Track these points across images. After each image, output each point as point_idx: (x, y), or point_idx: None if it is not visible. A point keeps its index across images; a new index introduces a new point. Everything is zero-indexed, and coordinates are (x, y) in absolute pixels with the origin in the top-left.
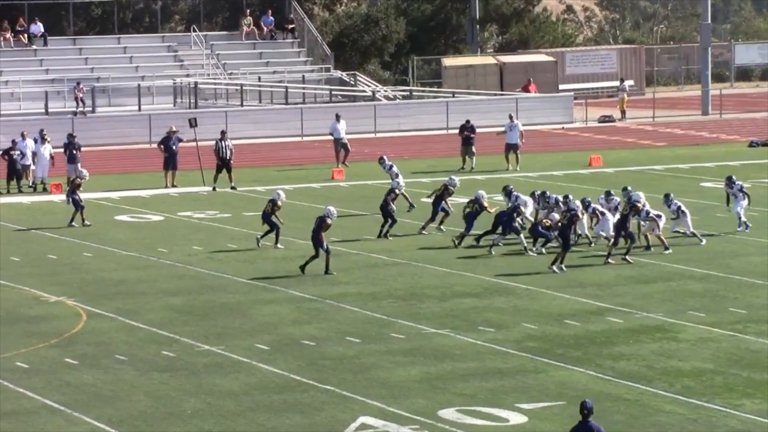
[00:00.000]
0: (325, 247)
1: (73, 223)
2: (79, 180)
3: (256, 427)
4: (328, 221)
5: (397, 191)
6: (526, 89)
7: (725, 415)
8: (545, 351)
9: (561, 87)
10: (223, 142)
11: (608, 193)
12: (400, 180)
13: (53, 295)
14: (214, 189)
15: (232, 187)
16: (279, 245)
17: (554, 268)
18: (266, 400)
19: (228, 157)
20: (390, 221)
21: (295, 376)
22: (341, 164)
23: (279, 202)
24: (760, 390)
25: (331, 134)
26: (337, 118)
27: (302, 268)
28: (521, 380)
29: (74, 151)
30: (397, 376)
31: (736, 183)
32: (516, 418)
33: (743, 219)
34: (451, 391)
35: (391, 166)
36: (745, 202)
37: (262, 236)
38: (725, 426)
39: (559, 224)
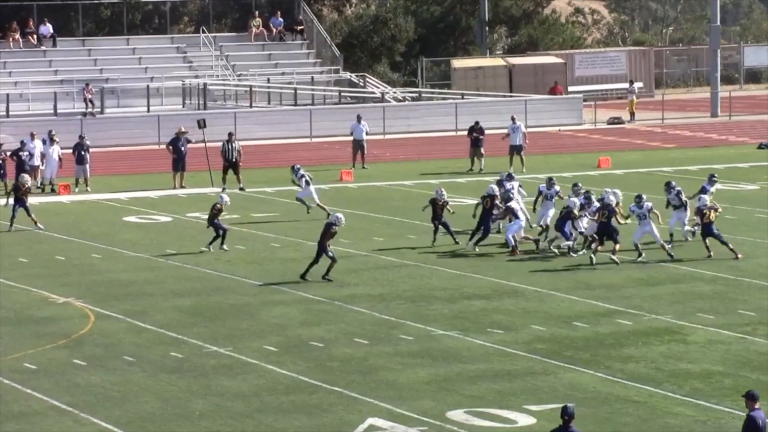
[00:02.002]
0: (330, 254)
1: (12, 228)
2: (23, 186)
3: (265, 428)
4: (334, 229)
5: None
6: (553, 92)
7: (734, 417)
8: (554, 353)
9: (570, 89)
10: (229, 144)
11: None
12: (312, 189)
13: (61, 296)
14: (223, 190)
15: (241, 188)
16: (225, 247)
17: (615, 258)
18: (275, 402)
19: (235, 159)
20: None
21: (304, 377)
22: (362, 166)
23: (219, 205)
24: None
25: (351, 134)
26: (359, 119)
27: (303, 276)
28: (530, 382)
29: (83, 152)
30: (406, 378)
31: (674, 188)
32: (524, 420)
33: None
34: (460, 393)
35: (302, 176)
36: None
37: (210, 243)
38: (734, 428)
39: (599, 221)
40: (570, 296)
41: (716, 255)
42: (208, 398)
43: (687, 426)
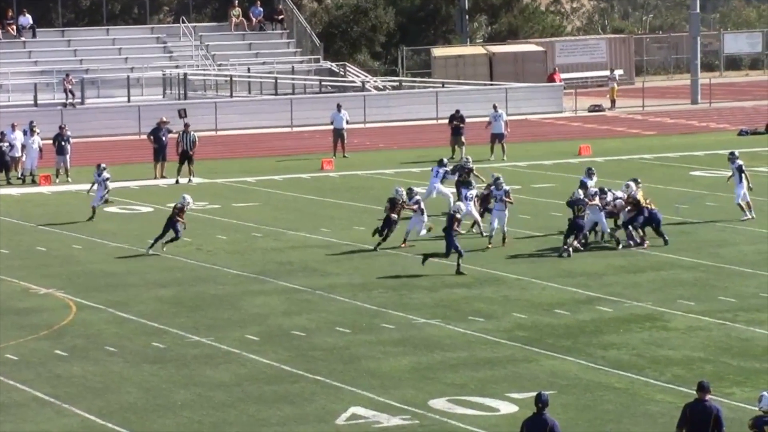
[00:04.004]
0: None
1: None
2: None
3: (247, 418)
4: (457, 216)
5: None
6: (551, 78)
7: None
8: (535, 340)
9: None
10: (185, 135)
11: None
12: (105, 192)
13: (43, 287)
14: (177, 182)
15: (189, 180)
16: (164, 249)
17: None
18: (257, 391)
19: (189, 150)
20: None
21: (286, 366)
22: (342, 155)
23: (180, 205)
24: (750, 378)
25: (332, 123)
26: (339, 108)
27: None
28: (511, 370)
29: (63, 143)
30: (388, 367)
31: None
32: (506, 408)
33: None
34: (442, 381)
35: (105, 178)
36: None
37: (166, 242)
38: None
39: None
40: (551, 284)
41: (692, 242)
42: (189, 388)
43: (668, 412)
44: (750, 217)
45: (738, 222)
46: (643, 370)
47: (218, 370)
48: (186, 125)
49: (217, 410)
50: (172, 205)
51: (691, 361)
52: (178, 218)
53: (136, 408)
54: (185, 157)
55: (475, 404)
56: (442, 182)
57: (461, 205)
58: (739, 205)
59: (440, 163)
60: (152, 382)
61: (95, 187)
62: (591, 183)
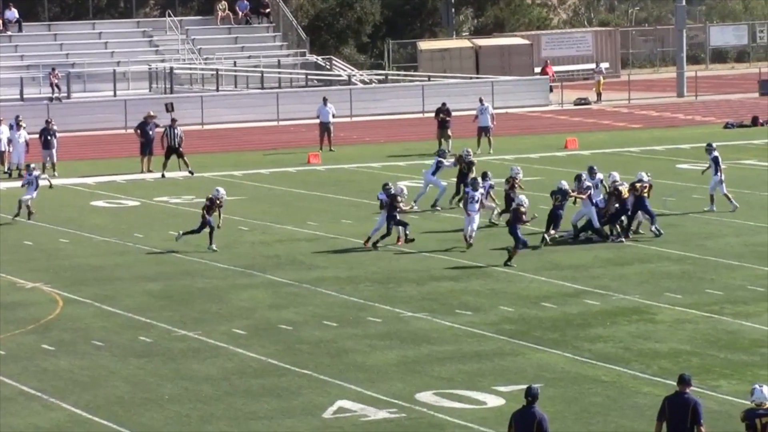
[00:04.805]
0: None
1: None
2: None
3: (234, 411)
4: (522, 209)
5: None
6: (545, 72)
7: (703, 397)
8: (522, 333)
9: (537, 70)
10: (172, 130)
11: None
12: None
13: (29, 282)
14: (163, 176)
15: (190, 172)
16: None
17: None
18: (244, 385)
19: (177, 145)
20: None
21: (273, 360)
22: (328, 149)
23: (219, 200)
24: (737, 371)
25: (318, 117)
26: (325, 101)
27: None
28: (498, 363)
29: (49, 137)
30: (375, 360)
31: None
32: (493, 401)
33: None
34: (429, 375)
35: (36, 176)
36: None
37: (185, 233)
38: (702, 407)
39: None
40: (538, 277)
41: (679, 234)
42: (177, 382)
43: (655, 405)
44: (712, 209)
45: (725, 214)
46: (630, 363)
47: (205, 364)
48: (173, 120)
49: (204, 404)
50: (202, 198)
51: (677, 354)
52: (212, 211)
53: (124, 402)
54: (171, 152)
55: (462, 397)
56: (435, 172)
57: (524, 198)
58: (712, 196)
59: (440, 153)
60: (139, 376)
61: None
62: (588, 181)
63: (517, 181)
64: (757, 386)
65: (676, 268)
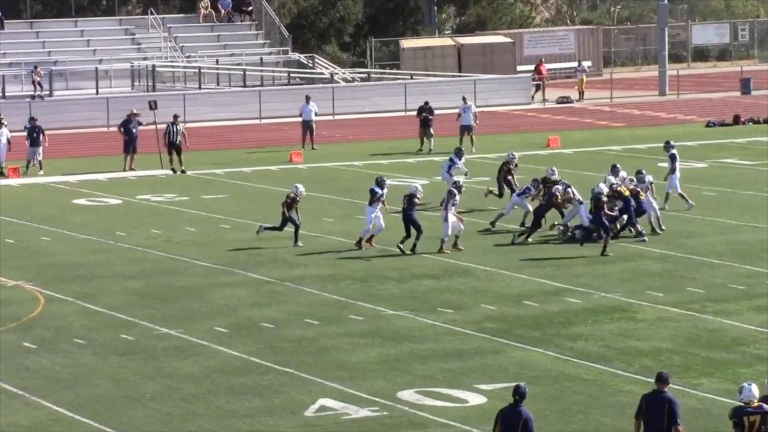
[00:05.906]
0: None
1: None
2: None
3: (216, 410)
4: (603, 199)
5: None
6: (538, 70)
7: (684, 395)
8: (504, 332)
9: (519, 68)
10: (174, 126)
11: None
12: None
13: (11, 280)
14: (173, 171)
15: (183, 171)
16: (299, 243)
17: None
18: (225, 383)
19: (178, 141)
20: None
21: (255, 358)
22: (311, 147)
23: (293, 195)
24: (718, 369)
25: (300, 115)
26: (307, 99)
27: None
28: (480, 361)
29: (35, 135)
30: (356, 358)
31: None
32: (475, 399)
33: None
34: (411, 373)
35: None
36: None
37: (267, 228)
38: (684, 405)
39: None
40: (519, 275)
41: (663, 233)
42: (158, 380)
43: (636, 403)
44: (664, 207)
45: (707, 213)
46: (611, 361)
47: (187, 362)
48: (175, 117)
49: (186, 402)
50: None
51: (659, 352)
52: (292, 208)
53: (105, 400)
54: (173, 148)
55: (443, 395)
56: (449, 171)
57: (603, 186)
58: (668, 193)
59: (457, 153)
60: (121, 374)
61: None
62: (613, 180)
63: (511, 166)
64: (746, 384)
65: (657, 267)
